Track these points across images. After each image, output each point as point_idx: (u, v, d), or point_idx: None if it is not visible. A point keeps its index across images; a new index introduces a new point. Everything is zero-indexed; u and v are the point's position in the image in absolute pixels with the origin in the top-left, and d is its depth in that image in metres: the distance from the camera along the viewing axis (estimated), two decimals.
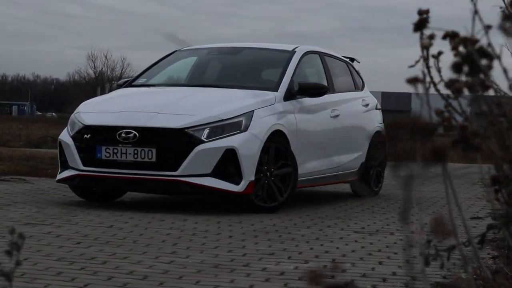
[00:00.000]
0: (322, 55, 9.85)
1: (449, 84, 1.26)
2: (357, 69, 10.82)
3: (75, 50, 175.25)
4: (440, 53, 1.62)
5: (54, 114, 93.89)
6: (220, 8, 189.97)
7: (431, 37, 1.59)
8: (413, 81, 1.27)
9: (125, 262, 5.10)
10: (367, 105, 10.47)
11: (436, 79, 1.68)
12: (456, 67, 1.23)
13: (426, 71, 1.60)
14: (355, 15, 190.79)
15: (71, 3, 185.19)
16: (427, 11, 1.61)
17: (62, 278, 4.55)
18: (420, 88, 1.29)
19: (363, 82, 10.80)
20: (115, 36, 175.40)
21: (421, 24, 1.40)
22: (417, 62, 1.61)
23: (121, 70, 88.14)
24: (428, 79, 1.59)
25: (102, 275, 4.67)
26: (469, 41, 1.22)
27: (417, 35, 1.57)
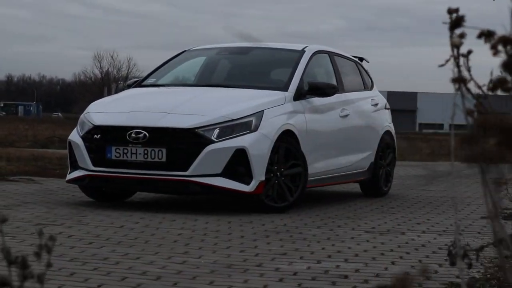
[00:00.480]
0: (331, 54, 9.84)
1: (499, 83, 1.25)
2: (366, 68, 10.80)
3: (81, 51, 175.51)
4: (469, 52, 1.61)
5: (60, 114, 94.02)
6: (221, 7, 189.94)
7: (462, 36, 1.57)
8: (457, 80, 1.26)
9: (138, 262, 5.09)
10: (376, 104, 10.46)
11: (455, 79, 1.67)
12: (507, 66, 1.22)
13: (456, 70, 1.58)
14: (360, 15, 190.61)
15: (76, 4, 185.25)
16: (457, 10, 1.59)
17: (75, 279, 4.54)
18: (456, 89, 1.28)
19: (372, 81, 10.78)
20: (120, 36, 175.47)
21: (457, 22, 1.39)
22: (447, 61, 1.60)
23: (128, 70, 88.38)
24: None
25: (115, 275, 4.67)
26: (510, 40, 1.21)
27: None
